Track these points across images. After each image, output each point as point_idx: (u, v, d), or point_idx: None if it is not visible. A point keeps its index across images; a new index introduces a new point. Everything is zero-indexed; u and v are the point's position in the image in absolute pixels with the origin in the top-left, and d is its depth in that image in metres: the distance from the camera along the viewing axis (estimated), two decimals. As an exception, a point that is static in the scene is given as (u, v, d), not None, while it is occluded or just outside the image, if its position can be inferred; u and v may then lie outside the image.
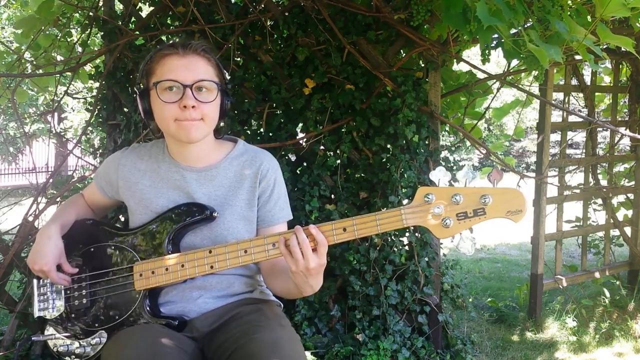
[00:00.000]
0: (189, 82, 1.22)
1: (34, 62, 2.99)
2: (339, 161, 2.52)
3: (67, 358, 1.32)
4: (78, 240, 1.39)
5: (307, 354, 2.34)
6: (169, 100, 1.23)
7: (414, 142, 2.39)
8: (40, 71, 2.91)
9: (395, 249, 2.50)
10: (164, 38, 2.60)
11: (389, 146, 2.48)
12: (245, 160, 1.39)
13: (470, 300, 3.43)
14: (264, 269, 1.38)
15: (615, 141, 3.57)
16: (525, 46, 1.61)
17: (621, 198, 3.76)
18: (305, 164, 2.60)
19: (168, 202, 1.34)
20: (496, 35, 1.86)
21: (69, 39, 3.08)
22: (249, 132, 2.57)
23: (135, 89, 1.34)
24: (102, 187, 1.46)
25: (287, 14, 2.50)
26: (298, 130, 2.61)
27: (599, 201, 3.60)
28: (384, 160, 2.46)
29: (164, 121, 1.27)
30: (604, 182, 3.62)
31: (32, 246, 1.34)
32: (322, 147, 2.51)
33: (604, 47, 2.98)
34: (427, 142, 2.46)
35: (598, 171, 3.51)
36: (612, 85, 3.55)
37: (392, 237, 2.49)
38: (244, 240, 1.24)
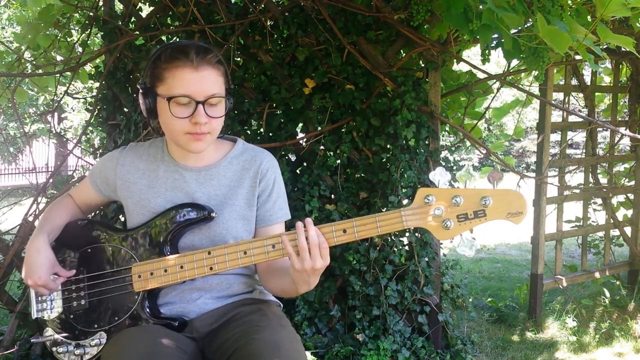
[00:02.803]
0: (201, 97, 1.21)
1: (34, 62, 2.99)
2: (339, 161, 2.52)
3: (66, 359, 1.32)
4: (74, 241, 1.38)
5: (307, 354, 2.34)
6: (180, 116, 1.21)
7: (414, 142, 2.39)
8: (40, 71, 2.91)
9: (395, 249, 2.50)
10: (164, 38, 2.60)
11: (389, 146, 2.48)
12: (245, 160, 1.38)
13: (470, 300, 3.43)
14: (260, 269, 1.38)
15: (615, 141, 3.57)
16: (532, 41, 1.60)
17: (621, 198, 3.76)
18: (305, 164, 2.60)
19: (166, 202, 1.34)
20: (496, 35, 1.86)
21: (69, 39, 3.08)
22: (249, 132, 2.57)
23: (137, 86, 1.31)
24: (98, 185, 1.45)
25: (287, 14, 2.49)
26: (298, 130, 2.61)
27: (599, 201, 3.60)
28: (384, 160, 2.46)
29: (173, 133, 1.26)
30: (604, 182, 3.62)
31: (24, 261, 1.33)
32: (322, 147, 2.51)
33: (604, 47, 2.98)
34: (427, 142, 2.46)
35: (598, 171, 3.51)
36: (612, 85, 3.55)
37: (392, 237, 2.49)
38: (243, 242, 1.23)
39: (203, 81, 1.21)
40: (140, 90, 1.27)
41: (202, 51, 1.22)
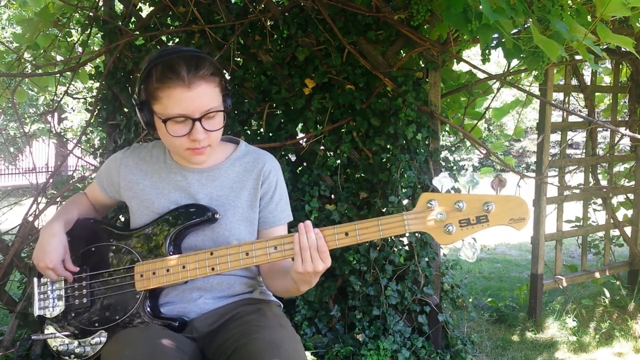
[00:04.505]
0: (197, 114, 1.19)
1: (34, 62, 2.99)
2: (339, 161, 2.52)
3: (66, 357, 1.32)
4: (79, 239, 1.38)
5: (307, 354, 2.34)
6: (178, 134, 1.21)
7: (414, 142, 2.39)
8: (40, 71, 2.91)
9: (395, 249, 2.50)
10: (164, 38, 2.60)
11: (389, 146, 2.48)
12: (248, 162, 1.39)
13: (470, 300, 3.43)
14: (263, 270, 1.39)
15: (615, 141, 3.57)
16: (528, 44, 1.61)
17: (621, 198, 3.76)
18: (305, 164, 2.60)
19: (169, 203, 1.34)
20: (496, 35, 1.86)
21: (69, 39, 3.08)
22: (249, 132, 2.57)
23: (132, 100, 1.30)
24: (104, 186, 1.46)
25: (287, 14, 2.49)
26: (298, 130, 2.61)
27: (599, 201, 3.60)
28: (384, 160, 2.46)
29: (173, 149, 1.28)
30: (604, 182, 3.62)
31: (37, 243, 1.34)
32: (322, 147, 2.51)
33: (604, 47, 2.98)
34: (427, 142, 2.46)
35: (598, 171, 3.51)
36: (612, 85, 3.55)
37: (392, 237, 2.49)
38: (245, 243, 1.23)
39: (197, 98, 1.19)
40: (136, 105, 1.26)
41: (194, 66, 1.18)
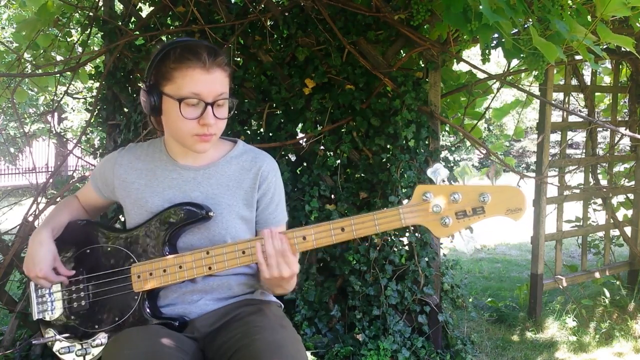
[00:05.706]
0: (210, 99, 1.21)
1: (34, 62, 2.99)
2: (339, 161, 2.52)
3: (67, 359, 1.32)
4: (74, 241, 1.37)
5: (307, 354, 2.34)
6: (189, 117, 1.21)
7: (414, 142, 2.39)
8: (40, 71, 2.91)
9: (395, 249, 2.50)
10: (164, 38, 2.60)
11: (389, 146, 2.48)
12: (245, 161, 1.38)
13: (470, 300, 3.43)
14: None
15: (615, 141, 3.57)
16: (527, 45, 1.61)
17: (621, 198, 3.76)
18: (305, 164, 2.60)
19: (164, 202, 1.33)
20: (496, 35, 1.86)
21: (68, 39, 3.09)
22: (249, 132, 2.57)
23: (140, 84, 1.31)
24: (98, 186, 1.45)
25: (287, 14, 2.50)
26: (298, 130, 2.61)
27: (599, 201, 3.60)
28: (384, 160, 2.46)
29: (179, 133, 1.25)
30: (604, 182, 3.62)
31: (27, 253, 1.33)
32: (322, 147, 2.51)
33: (604, 47, 2.98)
34: (427, 142, 2.46)
35: (598, 171, 3.51)
36: (612, 85, 3.55)
37: (392, 237, 2.49)
38: (241, 241, 1.24)
39: (213, 83, 1.21)
40: (144, 88, 1.25)
41: (213, 53, 1.22)
